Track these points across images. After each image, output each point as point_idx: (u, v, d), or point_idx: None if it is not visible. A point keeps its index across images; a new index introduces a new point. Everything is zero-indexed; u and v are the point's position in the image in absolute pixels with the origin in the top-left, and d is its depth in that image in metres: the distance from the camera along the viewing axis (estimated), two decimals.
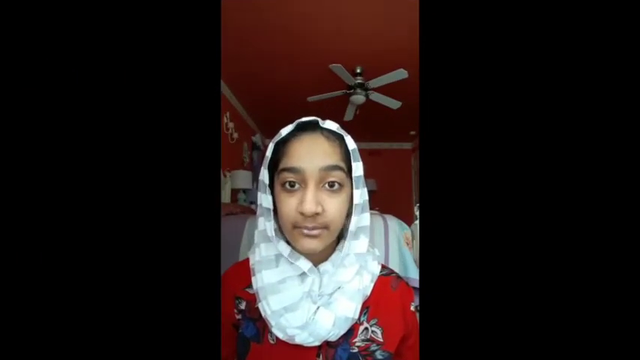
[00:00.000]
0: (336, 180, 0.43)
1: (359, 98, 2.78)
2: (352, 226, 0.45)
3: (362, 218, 0.47)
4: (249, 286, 0.49)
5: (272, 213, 0.46)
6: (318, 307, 0.45)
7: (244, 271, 0.51)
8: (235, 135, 3.33)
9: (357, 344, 0.47)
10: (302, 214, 0.41)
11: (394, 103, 2.97)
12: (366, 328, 0.48)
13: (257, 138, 4.25)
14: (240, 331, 0.49)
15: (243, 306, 0.50)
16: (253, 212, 2.34)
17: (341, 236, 0.49)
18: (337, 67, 2.39)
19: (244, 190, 3.19)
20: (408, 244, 1.03)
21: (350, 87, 2.74)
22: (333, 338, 0.45)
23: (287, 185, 0.43)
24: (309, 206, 0.40)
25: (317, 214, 0.41)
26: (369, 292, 0.49)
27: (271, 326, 0.45)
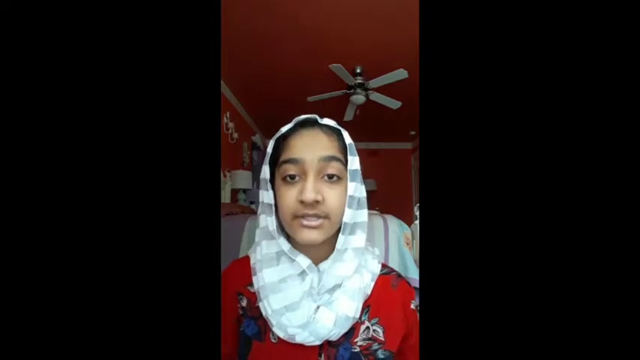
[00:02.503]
0: (335, 171, 0.44)
1: (359, 98, 2.78)
2: (347, 219, 0.45)
3: (358, 214, 0.47)
4: (251, 284, 0.49)
5: (273, 209, 0.47)
6: (318, 307, 0.45)
7: (245, 268, 0.51)
8: (235, 135, 3.33)
9: (359, 343, 0.47)
10: (302, 202, 0.42)
11: (394, 103, 2.97)
12: (368, 327, 0.48)
13: (257, 138, 4.25)
14: (241, 329, 0.49)
15: (244, 303, 0.50)
16: (253, 212, 2.33)
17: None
18: (337, 67, 2.39)
19: (244, 190, 3.19)
20: (408, 244, 1.03)
21: (350, 87, 2.74)
22: (334, 338, 0.45)
23: (287, 178, 0.44)
24: (309, 194, 0.41)
25: (317, 202, 0.42)
26: (369, 291, 0.49)
27: (272, 325, 0.45)
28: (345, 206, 0.45)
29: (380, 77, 2.56)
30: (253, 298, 0.48)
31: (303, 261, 0.45)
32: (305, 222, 0.43)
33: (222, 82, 2.89)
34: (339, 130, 0.48)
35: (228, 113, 3.17)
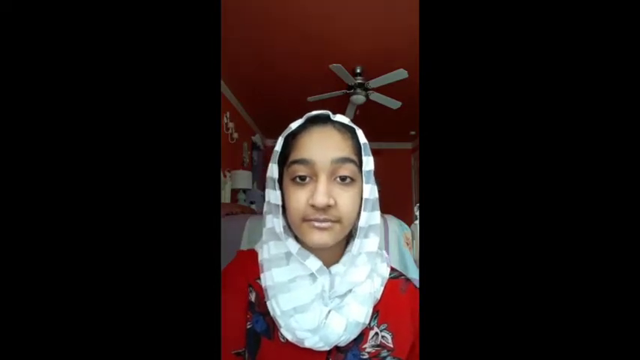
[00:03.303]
0: (348, 173, 0.41)
1: (359, 98, 2.78)
2: (363, 223, 0.43)
3: (372, 216, 0.45)
4: (259, 277, 0.47)
5: (280, 209, 0.45)
6: (329, 311, 0.43)
7: (253, 260, 0.49)
8: (235, 135, 3.33)
9: (368, 350, 0.45)
10: (313, 206, 0.40)
11: (394, 103, 2.97)
12: (377, 333, 0.46)
13: (257, 138, 4.26)
14: (250, 325, 0.46)
15: (253, 297, 0.47)
16: (253, 212, 2.34)
17: (351, 237, 0.47)
18: (337, 67, 2.39)
19: (244, 190, 3.19)
20: (408, 244, 1.03)
21: (350, 87, 2.75)
22: (343, 343, 0.43)
23: (297, 179, 0.41)
24: (321, 198, 0.39)
25: (329, 206, 0.40)
26: (379, 296, 0.47)
27: (280, 326, 0.43)
28: (358, 209, 0.43)
29: (380, 77, 2.56)
30: (262, 292, 0.46)
31: (314, 263, 0.43)
32: (316, 224, 0.41)
33: (222, 82, 2.89)
34: (353, 129, 0.45)
35: (228, 113, 3.17)
